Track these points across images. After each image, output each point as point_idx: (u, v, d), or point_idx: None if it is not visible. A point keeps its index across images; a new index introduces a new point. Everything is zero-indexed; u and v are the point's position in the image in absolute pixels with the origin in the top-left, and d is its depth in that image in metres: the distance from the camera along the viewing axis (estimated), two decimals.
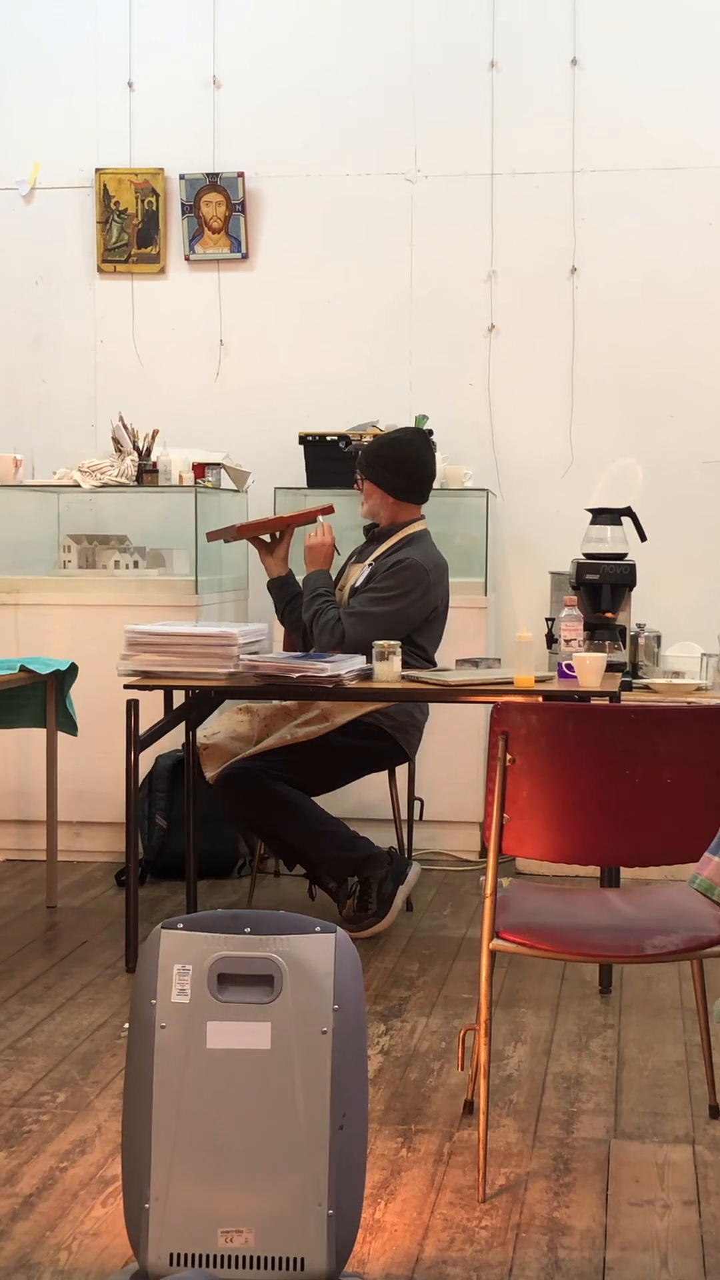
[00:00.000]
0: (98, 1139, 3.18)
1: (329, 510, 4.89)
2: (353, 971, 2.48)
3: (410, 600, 4.67)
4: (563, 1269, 2.64)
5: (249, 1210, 2.41)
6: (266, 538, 4.85)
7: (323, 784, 4.80)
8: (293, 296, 6.13)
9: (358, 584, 4.79)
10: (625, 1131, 3.23)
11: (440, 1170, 3.04)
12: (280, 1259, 2.40)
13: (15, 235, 6.26)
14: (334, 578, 4.95)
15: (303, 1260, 2.40)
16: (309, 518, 4.87)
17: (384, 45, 6.02)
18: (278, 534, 4.85)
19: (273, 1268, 2.40)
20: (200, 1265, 2.40)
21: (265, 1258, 2.40)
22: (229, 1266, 2.41)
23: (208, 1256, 2.41)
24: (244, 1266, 2.40)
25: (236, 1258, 2.41)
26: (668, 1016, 3.98)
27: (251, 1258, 2.40)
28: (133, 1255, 2.49)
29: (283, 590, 4.89)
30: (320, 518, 4.88)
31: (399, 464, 4.78)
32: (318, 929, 2.46)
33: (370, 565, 4.79)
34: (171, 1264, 2.41)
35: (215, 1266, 2.41)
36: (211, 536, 4.95)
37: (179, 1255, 2.42)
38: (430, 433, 5.71)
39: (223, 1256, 2.41)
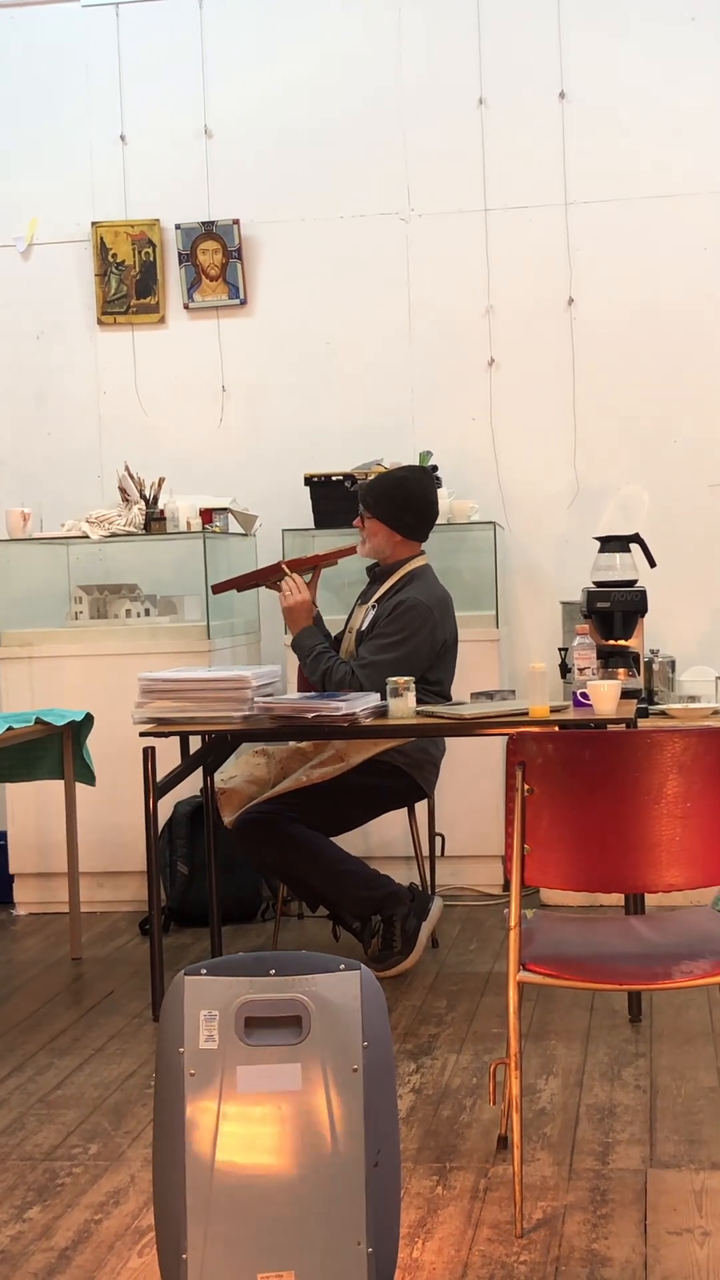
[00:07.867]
0: (131, 1189, 3.16)
1: (352, 551, 4.86)
2: (379, 1008, 2.48)
3: (418, 641, 4.65)
4: None
5: (289, 1253, 2.40)
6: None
7: (341, 824, 4.79)
8: (293, 340, 6.16)
9: (363, 627, 4.77)
10: (661, 1160, 3.21)
11: (477, 1207, 3.02)
12: None
13: (15, 292, 6.31)
14: (346, 619, 4.95)
15: None
16: (332, 560, 4.85)
17: (372, 88, 6.07)
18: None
19: None
20: None
21: None
22: None
23: None
24: None
25: None
26: (699, 1043, 3.95)
27: None
28: None
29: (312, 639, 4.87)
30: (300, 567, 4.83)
31: (408, 502, 4.78)
32: (342, 967, 2.46)
33: (374, 606, 4.78)
34: None
35: None
36: (219, 588, 4.93)
37: None
38: (435, 468, 5.73)
39: None
